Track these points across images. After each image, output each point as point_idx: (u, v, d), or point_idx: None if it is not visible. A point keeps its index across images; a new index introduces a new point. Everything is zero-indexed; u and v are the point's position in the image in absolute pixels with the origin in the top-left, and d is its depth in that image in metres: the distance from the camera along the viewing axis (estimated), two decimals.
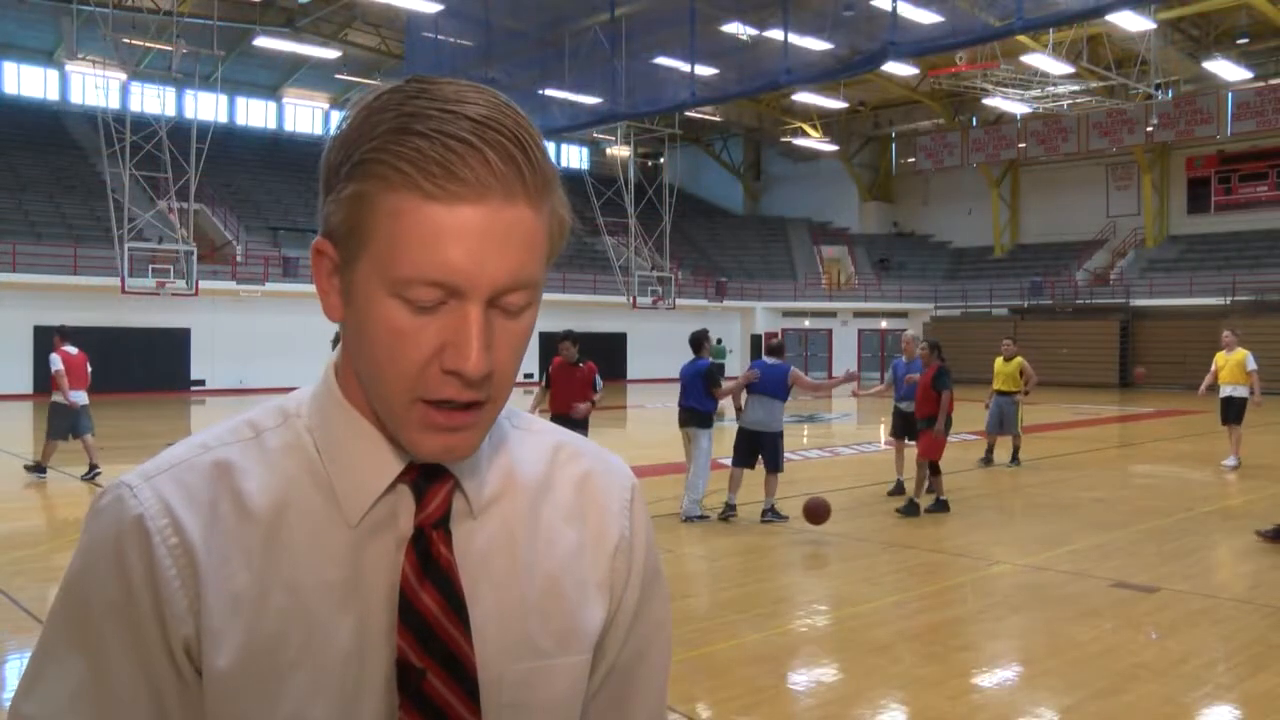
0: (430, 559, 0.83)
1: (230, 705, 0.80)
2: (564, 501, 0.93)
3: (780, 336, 9.98)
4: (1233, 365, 13.30)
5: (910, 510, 9.58)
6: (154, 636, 0.80)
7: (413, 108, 0.76)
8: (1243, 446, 13.32)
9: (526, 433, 0.95)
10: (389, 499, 0.84)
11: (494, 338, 0.78)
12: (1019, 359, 13.24)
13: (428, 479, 0.84)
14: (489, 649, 0.84)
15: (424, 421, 0.79)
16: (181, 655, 0.80)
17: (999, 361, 13.41)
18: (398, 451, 0.84)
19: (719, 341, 32.16)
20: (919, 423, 10.03)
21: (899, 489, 10.68)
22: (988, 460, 13.30)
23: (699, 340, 9.45)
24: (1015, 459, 13.25)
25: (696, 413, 9.30)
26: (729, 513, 9.29)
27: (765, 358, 9.53)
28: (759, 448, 9.30)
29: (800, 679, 5.23)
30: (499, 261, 0.76)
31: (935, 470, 9.91)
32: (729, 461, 9.78)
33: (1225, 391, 13.37)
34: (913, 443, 10.51)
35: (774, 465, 9.26)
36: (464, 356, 0.76)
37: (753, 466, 9.39)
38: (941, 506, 9.77)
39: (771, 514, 9.22)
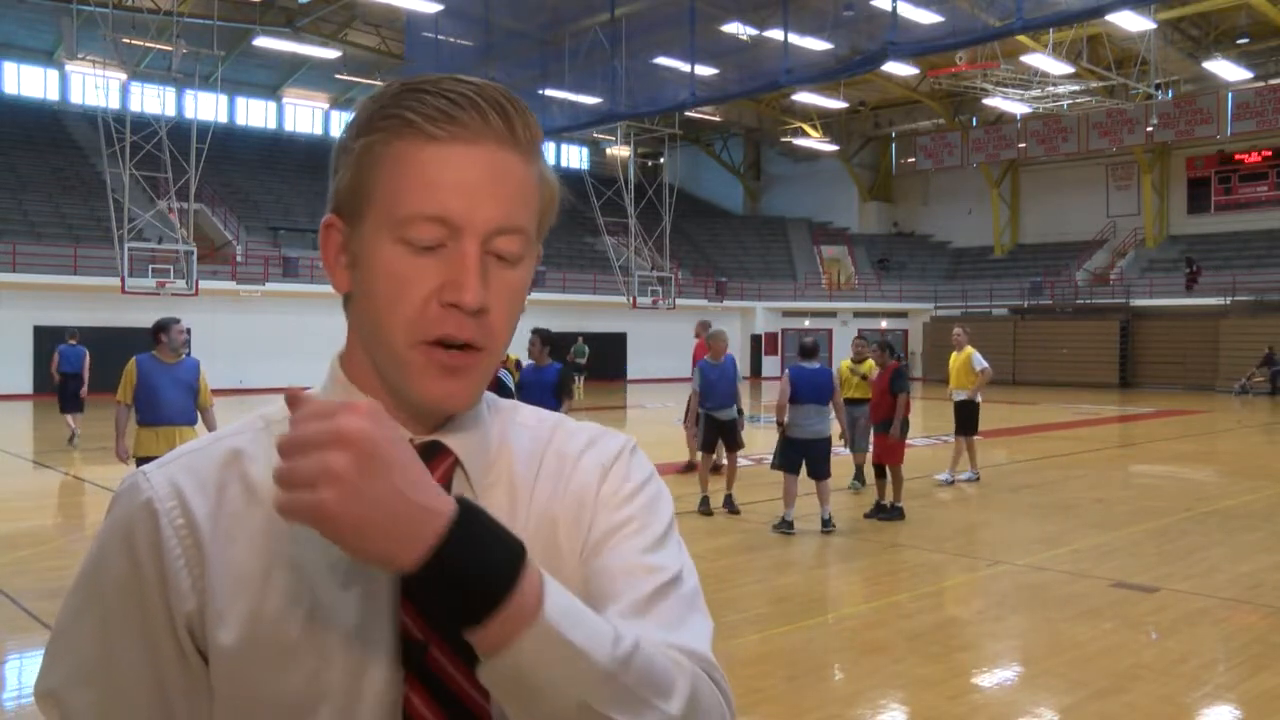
0: None
1: (237, 680, 0.83)
2: (560, 476, 0.93)
3: (813, 338, 9.44)
4: (959, 367, 11.78)
5: (892, 514, 9.33)
6: (159, 612, 0.83)
7: (415, 82, 0.84)
8: (978, 458, 11.85)
9: (524, 426, 0.97)
10: None
11: (489, 281, 0.82)
12: (869, 362, 10.82)
13: (427, 456, 0.86)
14: None
15: (426, 362, 0.82)
16: (184, 633, 0.84)
17: (845, 365, 11.02)
18: (400, 426, 0.85)
19: (580, 340, 30.49)
20: (874, 426, 9.78)
21: (705, 506, 9.62)
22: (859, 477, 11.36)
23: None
24: (858, 477, 11.22)
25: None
26: (790, 529, 8.80)
27: (802, 361, 8.92)
28: (811, 456, 8.84)
29: (800, 679, 5.22)
30: (493, 200, 0.81)
31: (881, 474, 9.63)
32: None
33: (957, 396, 11.82)
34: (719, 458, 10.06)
35: (825, 472, 8.88)
36: (462, 288, 0.80)
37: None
38: (896, 513, 9.36)
39: (831, 524, 8.89)
